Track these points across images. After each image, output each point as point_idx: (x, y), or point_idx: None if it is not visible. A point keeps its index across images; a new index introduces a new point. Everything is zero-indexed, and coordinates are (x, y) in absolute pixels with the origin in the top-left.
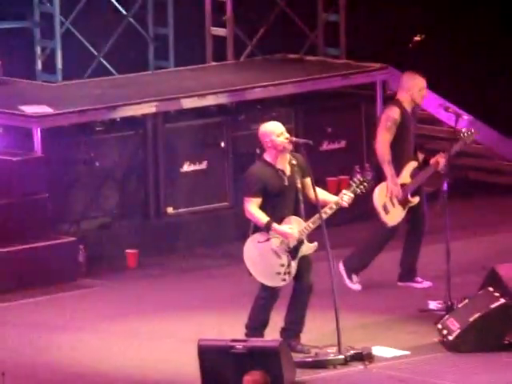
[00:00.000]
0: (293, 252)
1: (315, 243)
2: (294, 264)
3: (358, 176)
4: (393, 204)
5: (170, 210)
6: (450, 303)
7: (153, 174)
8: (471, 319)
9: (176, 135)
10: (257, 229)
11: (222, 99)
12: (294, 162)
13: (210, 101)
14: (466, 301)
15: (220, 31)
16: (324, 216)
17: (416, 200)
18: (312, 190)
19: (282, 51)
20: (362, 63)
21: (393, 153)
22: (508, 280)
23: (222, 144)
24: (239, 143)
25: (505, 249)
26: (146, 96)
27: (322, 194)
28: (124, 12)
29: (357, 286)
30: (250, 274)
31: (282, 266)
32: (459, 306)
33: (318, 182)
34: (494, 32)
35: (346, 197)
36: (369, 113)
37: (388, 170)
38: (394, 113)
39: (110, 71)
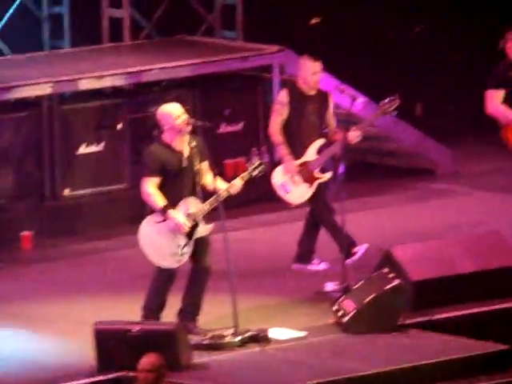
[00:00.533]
0: (189, 234)
1: (211, 225)
2: (189, 245)
3: (254, 159)
4: (295, 182)
5: (66, 191)
6: (346, 284)
7: (48, 156)
8: (366, 300)
9: (72, 117)
10: (153, 210)
11: (118, 81)
12: (193, 143)
13: (107, 82)
14: (362, 282)
15: (116, 12)
16: (219, 199)
17: (327, 175)
18: (207, 175)
19: (180, 33)
20: (259, 45)
21: (290, 133)
22: (402, 261)
23: (119, 126)
24: (136, 125)
25: (400, 230)
26: (41, 77)
27: (216, 181)
28: None
29: (322, 266)
30: (147, 256)
31: (178, 246)
32: (355, 287)
33: (216, 165)
34: (380, 14)
35: (235, 187)
36: (266, 95)
37: (280, 150)
38: (280, 96)
39: (3, 51)
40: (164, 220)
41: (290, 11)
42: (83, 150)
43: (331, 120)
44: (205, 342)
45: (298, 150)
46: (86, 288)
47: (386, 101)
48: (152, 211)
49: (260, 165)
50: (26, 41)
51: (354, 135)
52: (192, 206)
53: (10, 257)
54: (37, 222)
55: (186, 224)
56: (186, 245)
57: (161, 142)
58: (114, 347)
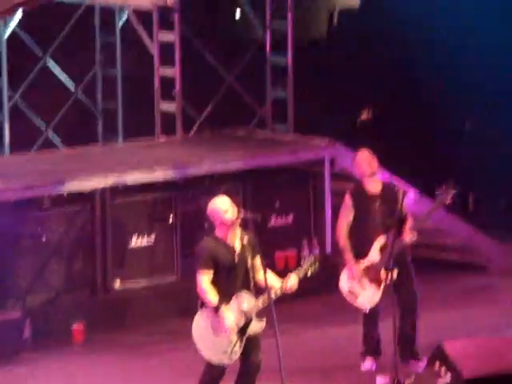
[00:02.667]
0: (241, 330)
1: (263, 321)
2: (240, 343)
3: (310, 257)
4: (362, 286)
5: (117, 284)
6: (397, 379)
7: (100, 249)
8: None
9: (124, 210)
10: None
11: (170, 174)
12: (245, 239)
13: (159, 175)
14: (413, 377)
15: (169, 106)
16: (272, 297)
17: (394, 274)
18: (260, 271)
19: (231, 127)
20: (309, 139)
21: (355, 235)
22: (454, 357)
23: (170, 219)
24: (187, 218)
25: (452, 325)
26: (94, 170)
27: (270, 277)
28: (72, 89)
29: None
30: (199, 350)
31: (230, 343)
32: (407, 382)
33: (266, 257)
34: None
35: (291, 283)
36: (317, 188)
37: (345, 255)
38: (345, 198)
39: (57, 146)
40: (217, 318)
41: (339, 105)
42: (135, 243)
43: (404, 216)
44: None
45: (362, 251)
46: (136, 382)
47: (442, 191)
48: (203, 304)
49: (315, 262)
50: (80, 135)
51: (411, 237)
52: (245, 302)
53: (61, 350)
54: (88, 315)
55: (235, 327)
56: (237, 342)
57: (213, 236)
58: None
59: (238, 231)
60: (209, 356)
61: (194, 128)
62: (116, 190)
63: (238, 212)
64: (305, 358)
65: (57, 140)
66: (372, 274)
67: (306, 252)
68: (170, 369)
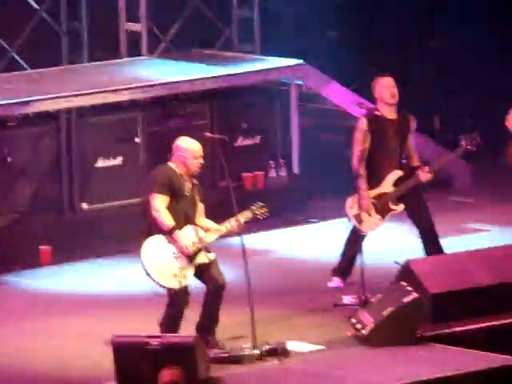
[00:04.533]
0: (190, 258)
1: (212, 254)
2: (189, 269)
3: (256, 204)
4: (369, 214)
5: (84, 205)
6: (363, 297)
7: (67, 170)
8: (385, 313)
9: (90, 130)
10: (154, 230)
11: (136, 94)
12: (195, 181)
13: (125, 96)
14: (380, 295)
15: (134, 26)
16: (216, 234)
17: (399, 207)
18: (202, 217)
19: (197, 47)
20: (276, 59)
21: (369, 161)
22: (420, 274)
23: (137, 139)
24: (154, 139)
25: (417, 243)
26: (60, 91)
27: (210, 224)
28: (36, 6)
29: (334, 284)
30: (148, 274)
31: (179, 268)
32: (373, 300)
33: (234, 178)
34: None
35: (232, 222)
36: (284, 109)
37: (359, 182)
38: (360, 123)
39: (22, 66)
40: (170, 240)
41: (307, 25)
42: (101, 164)
43: (411, 145)
44: (223, 356)
45: (376, 179)
46: (104, 302)
47: (466, 139)
48: (152, 229)
49: (263, 207)
50: (45, 56)
51: (427, 177)
52: (193, 233)
53: (28, 270)
54: (55, 236)
55: (190, 247)
56: (186, 268)
57: (170, 166)
58: (133, 360)
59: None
60: (158, 278)
61: (160, 48)
62: (82, 111)
63: (206, 133)
64: (273, 279)
65: (21, 61)
66: (380, 203)
67: (258, 203)
68: (138, 287)
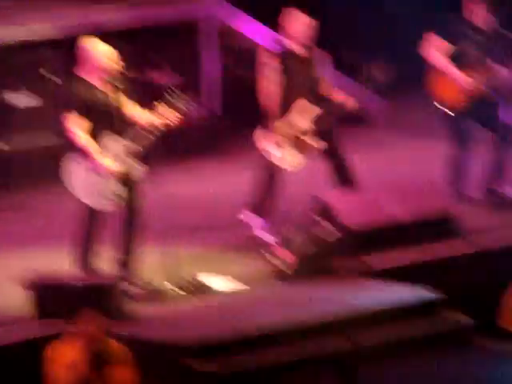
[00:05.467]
0: (120, 174)
1: (143, 166)
2: (117, 186)
3: (175, 92)
4: (283, 148)
5: (1, 145)
6: (278, 232)
7: None
8: (302, 249)
9: (6, 69)
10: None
11: (50, 31)
12: (115, 82)
13: (38, 33)
14: (294, 229)
15: None
16: (149, 134)
17: (315, 143)
18: (127, 106)
19: None
20: None
21: (283, 98)
22: (335, 209)
23: (54, 79)
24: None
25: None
26: None
27: (138, 111)
28: None
29: (247, 217)
30: (77, 197)
31: (108, 187)
32: (287, 234)
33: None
34: None
35: (164, 109)
36: (202, 46)
37: (268, 117)
38: (264, 56)
39: None
40: (90, 161)
41: None
42: (18, 103)
43: (327, 82)
44: (141, 292)
45: (284, 112)
46: (23, 241)
47: (375, 70)
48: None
49: (182, 94)
50: None
51: (352, 103)
52: (120, 146)
53: None
54: None
55: (112, 169)
56: (114, 185)
57: (78, 76)
58: (50, 300)
59: (114, 78)
60: (89, 201)
61: None
62: None
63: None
64: (189, 215)
65: None
66: (294, 138)
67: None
68: (55, 226)
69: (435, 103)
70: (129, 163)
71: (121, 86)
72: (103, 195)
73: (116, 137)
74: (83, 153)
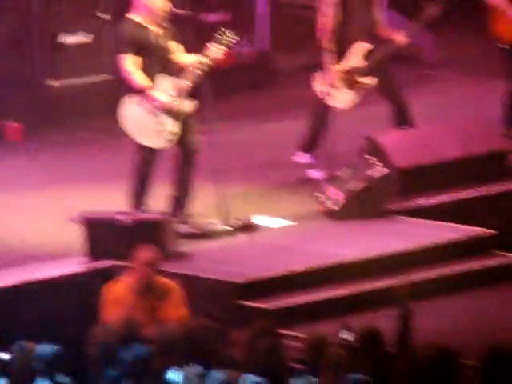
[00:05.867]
0: (172, 112)
1: (193, 102)
2: (173, 123)
3: (227, 36)
4: (337, 88)
5: (53, 82)
6: (330, 172)
7: (36, 47)
8: (352, 188)
9: (55, 6)
10: (131, 89)
11: None
12: (166, 25)
13: None
14: (347, 170)
15: None
16: (198, 71)
17: (372, 81)
18: (178, 53)
19: None
20: None
21: (335, 33)
22: (387, 149)
23: (104, 16)
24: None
25: (385, 116)
26: None
27: (188, 56)
28: None
29: (299, 158)
30: (133, 138)
31: (163, 125)
32: (340, 174)
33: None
34: None
35: (213, 52)
36: None
37: (324, 55)
38: None
39: None
40: (146, 98)
41: None
42: (69, 41)
43: (377, 15)
44: (193, 231)
45: (343, 53)
46: (75, 178)
47: (431, 5)
48: (128, 91)
49: (227, 32)
50: None
51: (404, 40)
52: (171, 83)
53: None
54: (24, 113)
55: (167, 105)
56: (169, 122)
57: (131, 20)
58: (102, 237)
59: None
60: (143, 140)
61: None
62: None
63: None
64: (241, 155)
65: None
66: (350, 77)
67: (224, 35)
68: (109, 163)
69: (494, 40)
70: (181, 100)
71: (170, 28)
72: (158, 133)
73: (167, 75)
74: (139, 91)
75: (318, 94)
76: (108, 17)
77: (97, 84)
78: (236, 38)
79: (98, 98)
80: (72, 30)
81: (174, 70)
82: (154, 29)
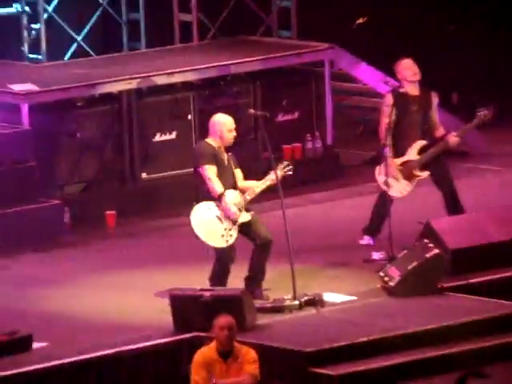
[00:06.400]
0: (236, 221)
1: (252, 212)
2: (234, 229)
3: (283, 161)
4: (396, 180)
5: (143, 175)
6: (391, 254)
7: (128, 144)
8: (410, 267)
9: (148, 109)
10: (201, 197)
11: (188, 76)
12: (229, 153)
13: (178, 77)
14: (405, 251)
15: (186, 16)
16: (257, 190)
17: (425, 174)
18: (241, 179)
19: (241, 34)
20: (311, 43)
21: (395, 133)
22: (441, 232)
23: (189, 116)
24: (204, 115)
25: (439, 205)
26: (122, 75)
27: (248, 183)
28: (100, 1)
29: (364, 241)
30: (197, 238)
31: (225, 229)
32: (399, 255)
33: (275, 150)
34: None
35: (268, 182)
36: (318, 88)
37: (386, 151)
38: (386, 99)
39: (89, 53)
40: (218, 205)
41: (339, 12)
42: (158, 138)
43: (434, 118)
44: (268, 306)
45: (401, 148)
46: (163, 260)
47: (483, 110)
48: (199, 199)
49: (288, 165)
50: (108, 43)
51: (455, 141)
52: (235, 197)
53: (96, 233)
54: (119, 203)
55: (237, 212)
56: (231, 228)
57: (207, 142)
58: (187, 311)
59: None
60: (208, 240)
61: (209, 35)
62: (141, 91)
63: (249, 110)
64: (310, 238)
65: (87, 48)
66: (407, 170)
67: (283, 162)
68: (193, 247)
69: None
70: (241, 212)
71: (229, 154)
72: (221, 237)
73: (233, 190)
74: (216, 199)
75: (380, 184)
76: (190, 117)
77: (180, 175)
78: (292, 170)
79: (183, 188)
80: (162, 130)
81: (235, 186)
82: (222, 151)
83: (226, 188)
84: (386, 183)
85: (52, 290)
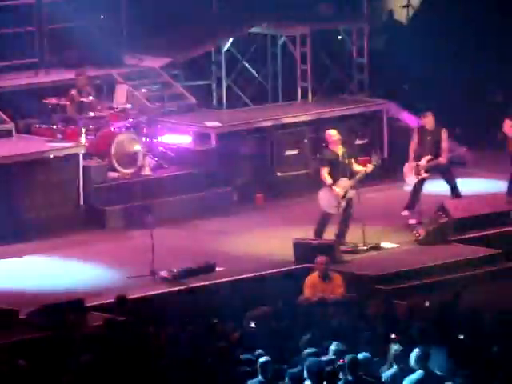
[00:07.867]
0: (343, 196)
1: (355, 191)
2: (343, 202)
3: (376, 159)
4: (412, 175)
5: (278, 173)
6: (420, 220)
7: (270, 157)
8: (430, 228)
9: (284, 137)
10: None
11: (306, 118)
12: (344, 149)
13: (301, 118)
14: (428, 219)
15: (304, 84)
16: (359, 177)
17: (425, 174)
18: (353, 164)
19: (339, 93)
20: (376, 100)
21: (417, 150)
22: (449, 208)
23: (305, 140)
24: (315, 142)
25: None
26: (266, 117)
27: (357, 167)
28: (255, 74)
29: (405, 213)
30: (322, 206)
31: (338, 202)
32: (424, 220)
33: (355, 161)
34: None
35: (370, 169)
36: (379, 125)
37: (409, 159)
38: (414, 132)
39: (247, 103)
40: (330, 190)
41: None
42: (289, 152)
43: (443, 147)
44: (348, 249)
45: (418, 158)
46: (292, 222)
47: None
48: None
49: (377, 161)
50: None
51: (446, 159)
52: (344, 182)
53: (249, 207)
54: (264, 189)
55: (340, 193)
56: (341, 201)
57: (327, 149)
58: (303, 252)
59: (341, 147)
60: (327, 208)
61: (315, 97)
62: (277, 127)
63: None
64: (374, 213)
65: (246, 100)
66: (417, 170)
67: (376, 159)
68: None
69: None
70: (348, 189)
71: (345, 151)
72: (334, 207)
73: (344, 177)
74: (327, 185)
75: (406, 178)
76: (305, 141)
77: (301, 174)
78: (379, 165)
79: (304, 183)
80: (290, 148)
81: (347, 174)
82: (340, 152)
83: (339, 177)
84: (408, 176)
85: (233, 238)
